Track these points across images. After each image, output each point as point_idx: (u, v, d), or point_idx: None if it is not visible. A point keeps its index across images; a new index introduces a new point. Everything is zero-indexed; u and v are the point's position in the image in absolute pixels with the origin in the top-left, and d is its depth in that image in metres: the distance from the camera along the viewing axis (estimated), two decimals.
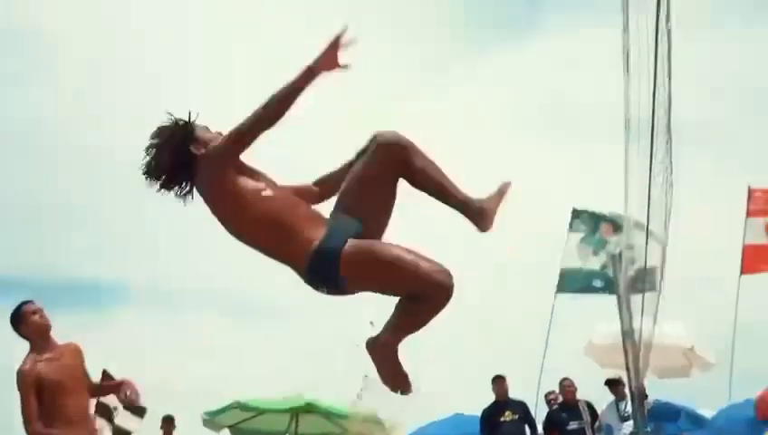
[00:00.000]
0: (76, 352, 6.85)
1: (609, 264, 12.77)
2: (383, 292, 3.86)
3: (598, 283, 13.83)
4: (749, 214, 14.72)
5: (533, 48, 29.90)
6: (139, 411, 18.78)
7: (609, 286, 12.81)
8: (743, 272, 14.45)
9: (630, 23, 6.15)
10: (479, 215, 4.03)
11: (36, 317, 6.69)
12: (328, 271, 3.75)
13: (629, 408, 11.26)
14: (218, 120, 4.11)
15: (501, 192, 4.12)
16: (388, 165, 3.83)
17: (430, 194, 3.94)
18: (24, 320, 6.69)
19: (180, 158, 4.01)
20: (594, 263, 14.07)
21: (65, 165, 39.56)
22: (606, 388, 12.48)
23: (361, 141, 3.94)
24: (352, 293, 3.87)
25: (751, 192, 14.80)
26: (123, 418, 18.70)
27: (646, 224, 9.58)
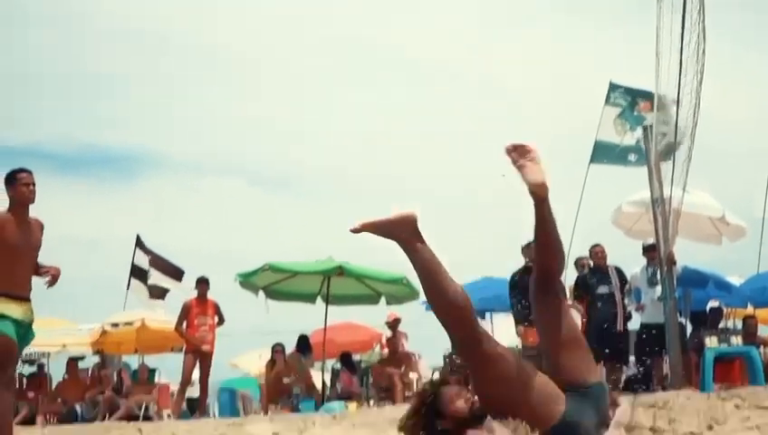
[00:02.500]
0: (40, 228, 7.25)
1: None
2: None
3: (632, 157, 13.80)
4: None
5: None
6: (176, 274, 19.43)
7: (643, 160, 12.81)
8: None
9: None
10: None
11: (26, 189, 7.09)
12: None
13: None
14: None
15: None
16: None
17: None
18: (16, 185, 7.09)
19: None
20: (630, 139, 14.03)
21: (92, 35, 39.44)
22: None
23: None
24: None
25: None
26: (157, 279, 19.33)
27: (677, 89, 9.60)
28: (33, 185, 7.10)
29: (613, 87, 14.27)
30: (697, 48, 8.84)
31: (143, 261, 19.74)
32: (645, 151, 11.74)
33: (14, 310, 6.89)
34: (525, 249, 12.07)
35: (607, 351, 11.20)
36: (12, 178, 7.08)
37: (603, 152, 13.85)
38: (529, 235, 11.66)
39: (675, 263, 10.94)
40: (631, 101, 14.05)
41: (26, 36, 41.73)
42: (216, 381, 15.85)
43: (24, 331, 7.01)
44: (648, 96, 13.42)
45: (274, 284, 15.34)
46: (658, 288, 11.11)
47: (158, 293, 19.57)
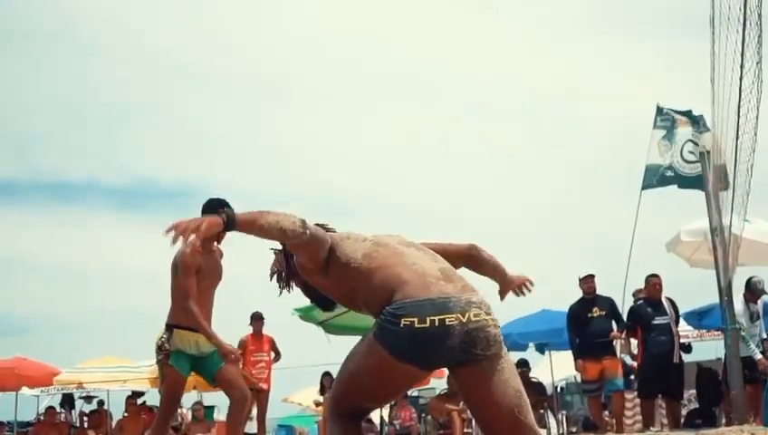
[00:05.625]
0: (221, 255, 7.29)
1: (677, 155, 12.66)
2: None
3: (668, 172, 13.54)
4: None
5: None
6: None
7: (680, 179, 12.66)
8: None
9: None
10: None
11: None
12: None
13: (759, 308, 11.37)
14: None
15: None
16: None
17: None
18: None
19: None
20: (669, 158, 13.78)
21: (149, 67, 40.06)
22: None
23: None
24: None
25: None
26: None
27: (736, 119, 9.44)
28: None
29: (659, 110, 14.07)
30: (756, 78, 8.66)
31: None
32: (703, 178, 11.66)
33: (189, 343, 6.98)
34: (582, 281, 11.96)
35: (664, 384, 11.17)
36: (214, 210, 7.09)
37: (650, 177, 13.55)
38: (586, 266, 11.49)
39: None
40: (673, 121, 13.80)
41: (84, 68, 42.55)
42: (274, 418, 15.85)
43: (203, 361, 7.07)
44: (686, 115, 13.28)
45: (330, 319, 15.31)
46: (758, 323, 11.13)
47: None
